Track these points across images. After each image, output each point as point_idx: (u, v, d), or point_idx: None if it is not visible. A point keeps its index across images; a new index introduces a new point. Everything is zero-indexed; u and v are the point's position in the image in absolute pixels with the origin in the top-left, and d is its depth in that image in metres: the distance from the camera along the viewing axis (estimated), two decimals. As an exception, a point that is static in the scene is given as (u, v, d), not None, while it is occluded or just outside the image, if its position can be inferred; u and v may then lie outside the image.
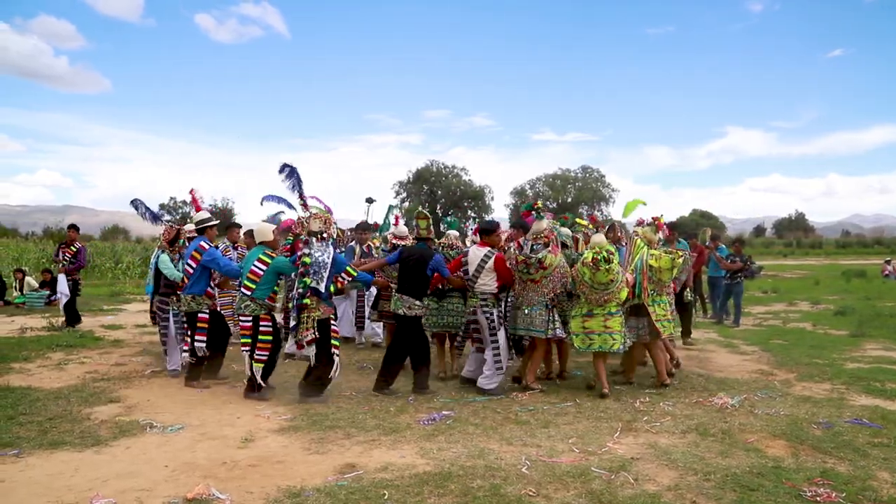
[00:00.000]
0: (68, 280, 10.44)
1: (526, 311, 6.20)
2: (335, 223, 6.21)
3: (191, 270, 6.36)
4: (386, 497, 3.66)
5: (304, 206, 6.14)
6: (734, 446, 4.58)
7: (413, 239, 6.58)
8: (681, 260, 6.48)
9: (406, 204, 55.23)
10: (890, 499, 3.69)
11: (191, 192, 7.20)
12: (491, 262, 6.16)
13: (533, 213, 6.56)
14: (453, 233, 8.44)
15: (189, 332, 6.54)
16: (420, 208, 6.81)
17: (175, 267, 6.77)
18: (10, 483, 3.90)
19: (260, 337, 5.92)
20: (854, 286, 19.25)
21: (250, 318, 5.93)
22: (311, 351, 5.81)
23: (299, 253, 5.86)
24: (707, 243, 12.10)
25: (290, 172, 6.15)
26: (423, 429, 5.01)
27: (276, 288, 6.14)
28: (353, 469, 4.12)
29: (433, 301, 6.76)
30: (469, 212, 53.87)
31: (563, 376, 6.93)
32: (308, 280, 5.69)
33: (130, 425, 5.07)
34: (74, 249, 10.67)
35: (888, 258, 26.15)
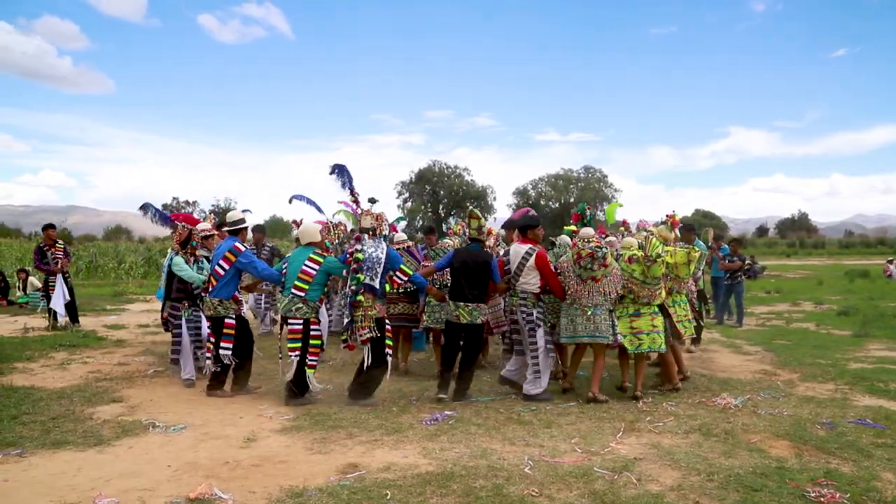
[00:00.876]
0: (66, 280, 10.30)
1: (588, 314, 5.87)
2: (386, 220, 6.05)
3: (221, 272, 5.94)
4: (388, 497, 3.65)
5: (357, 202, 5.96)
6: (737, 446, 4.57)
7: (469, 240, 6.23)
8: (696, 254, 6.44)
9: (409, 204, 55.22)
10: (894, 499, 3.68)
11: (177, 217, 6.97)
12: (532, 260, 5.89)
13: (584, 216, 6.66)
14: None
15: (213, 339, 6.10)
16: (471, 207, 6.52)
17: (191, 269, 6.52)
18: (13, 482, 3.91)
19: (311, 342, 5.73)
20: (857, 286, 19.20)
21: (301, 322, 5.70)
22: (365, 350, 5.67)
23: (350, 249, 5.72)
24: (710, 244, 12.09)
25: (340, 170, 5.96)
26: (425, 429, 5.00)
27: (325, 289, 5.96)
28: (356, 469, 4.11)
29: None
30: (472, 212, 53.84)
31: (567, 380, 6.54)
32: (361, 276, 5.53)
33: (133, 425, 5.07)
34: (62, 246, 10.49)
35: (891, 258, 26.09)
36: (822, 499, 3.66)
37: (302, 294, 5.71)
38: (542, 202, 55.54)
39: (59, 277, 10.10)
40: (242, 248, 6.02)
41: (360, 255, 5.59)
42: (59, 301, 10.08)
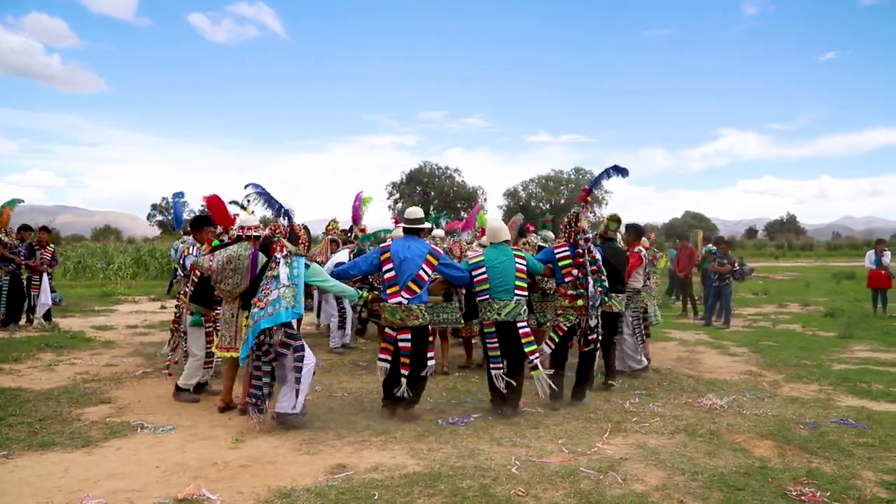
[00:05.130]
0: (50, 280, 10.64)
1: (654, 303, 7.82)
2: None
3: (426, 277, 5.38)
4: (376, 497, 3.68)
5: (586, 203, 5.87)
6: (722, 446, 4.63)
7: (601, 237, 6.64)
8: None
9: (399, 205, 55.20)
10: (873, 497, 3.75)
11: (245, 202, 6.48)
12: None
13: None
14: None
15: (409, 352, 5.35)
16: (614, 213, 6.95)
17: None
18: (0, 484, 3.91)
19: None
20: (844, 288, 19.41)
21: (527, 326, 5.45)
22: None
23: (579, 249, 5.52)
24: (710, 248, 12.22)
25: (619, 172, 5.79)
26: (413, 429, 5.02)
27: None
28: (344, 469, 4.13)
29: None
30: (462, 213, 53.89)
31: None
32: (603, 278, 5.48)
33: (121, 426, 5.07)
34: (52, 249, 10.94)
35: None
36: (803, 497, 3.72)
37: (526, 295, 5.51)
38: (532, 203, 55.64)
39: (45, 276, 10.52)
40: (441, 251, 5.67)
41: (597, 255, 5.48)
42: (46, 297, 10.51)
